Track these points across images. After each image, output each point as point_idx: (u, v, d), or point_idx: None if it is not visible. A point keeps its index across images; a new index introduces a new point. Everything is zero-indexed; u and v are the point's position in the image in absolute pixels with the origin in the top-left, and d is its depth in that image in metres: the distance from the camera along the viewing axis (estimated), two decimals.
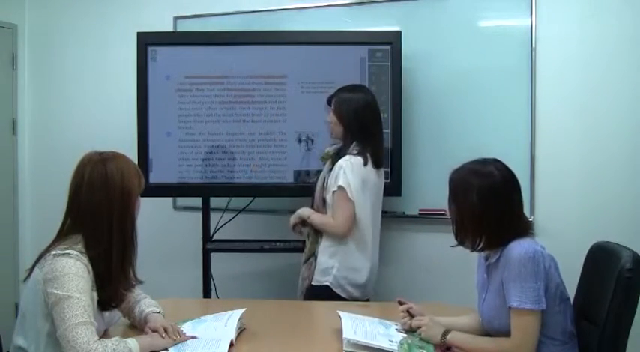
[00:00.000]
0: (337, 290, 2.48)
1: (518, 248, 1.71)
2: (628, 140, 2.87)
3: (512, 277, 1.69)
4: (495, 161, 1.82)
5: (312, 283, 2.51)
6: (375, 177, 2.52)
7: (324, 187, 2.53)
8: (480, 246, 1.79)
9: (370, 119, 2.52)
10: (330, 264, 2.48)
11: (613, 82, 2.88)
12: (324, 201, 2.52)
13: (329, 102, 2.59)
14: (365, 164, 2.46)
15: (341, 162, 2.45)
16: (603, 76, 2.89)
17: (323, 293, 2.46)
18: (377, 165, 2.52)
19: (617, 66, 2.88)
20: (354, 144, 2.49)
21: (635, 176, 2.86)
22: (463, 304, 2.13)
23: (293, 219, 2.62)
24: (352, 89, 2.60)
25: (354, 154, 2.47)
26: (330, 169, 2.51)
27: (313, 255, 2.54)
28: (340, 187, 2.42)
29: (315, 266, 2.52)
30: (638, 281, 1.72)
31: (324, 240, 2.51)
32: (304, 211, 2.58)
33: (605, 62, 2.89)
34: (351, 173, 2.42)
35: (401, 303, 1.96)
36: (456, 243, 1.84)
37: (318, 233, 2.54)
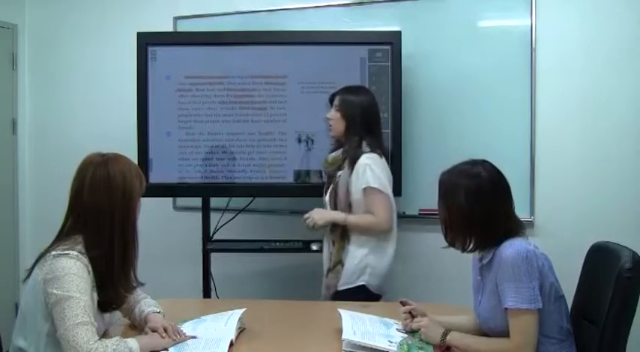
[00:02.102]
0: (372, 289, 2.50)
1: (510, 248, 1.71)
2: (628, 140, 2.88)
3: (506, 278, 1.70)
4: (484, 162, 1.83)
5: (342, 287, 2.49)
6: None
7: (348, 191, 2.49)
8: (470, 246, 1.80)
9: (375, 119, 2.57)
10: (363, 263, 2.49)
11: (613, 81, 2.88)
12: (349, 205, 2.50)
13: (331, 99, 2.60)
14: (381, 158, 2.51)
15: (363, 160, 2.46)
16: (603, 75, 2.90)
17: (356, 295, 2.44)
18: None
19: (617, 66, 2.88)
20: (363, 143, 2.51)
21: (635, 176, 2.86)
22: (463, 304, 2.13)
23: (322, 221, 2.51)
24: (357, 89, 2.63)
25: (369, 152, 2.49)
26: (350, 173, 2.48)
27: (340, 262, 2.51)
28: (372, 185, 2.43)
29: (342, 272, 2.50)
30: (638, 281, 1.72)
31: (353, 243, 2.50)
32: (335, 215, 2.51)
33: (605, 62, 2.89)
34: (377, 168, 2.46)
35: (403, 304, 1.96)
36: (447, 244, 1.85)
37: (344, 239, 2.51)
